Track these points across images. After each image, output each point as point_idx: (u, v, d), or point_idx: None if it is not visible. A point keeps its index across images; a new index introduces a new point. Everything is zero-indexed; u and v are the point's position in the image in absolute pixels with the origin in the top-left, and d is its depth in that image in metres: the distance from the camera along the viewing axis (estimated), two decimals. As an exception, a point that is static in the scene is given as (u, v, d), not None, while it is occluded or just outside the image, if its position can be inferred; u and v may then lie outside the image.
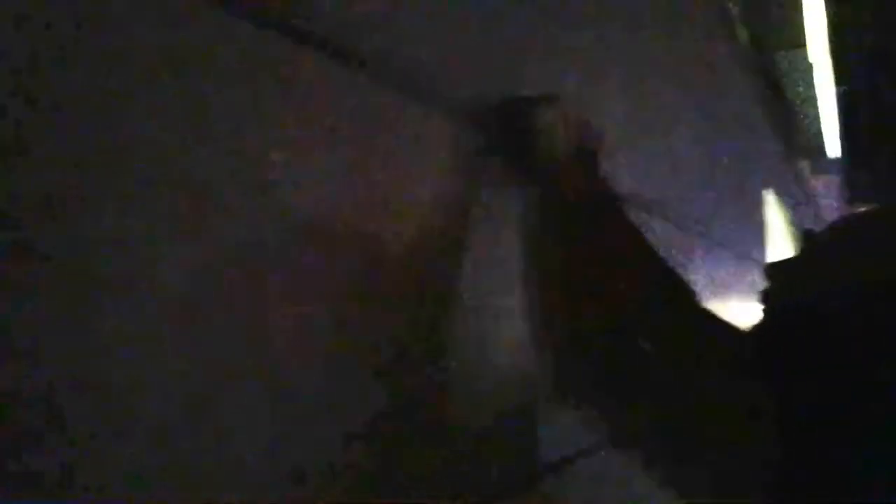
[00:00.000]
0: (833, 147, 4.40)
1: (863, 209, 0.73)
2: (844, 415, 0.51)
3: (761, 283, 0.71)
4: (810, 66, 3.43)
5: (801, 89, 3.54)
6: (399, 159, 0.75)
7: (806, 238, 0.70)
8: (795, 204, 4.26)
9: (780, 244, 3.80)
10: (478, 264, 0.91)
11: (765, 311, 0.67)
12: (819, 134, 4.24)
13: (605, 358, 0.68)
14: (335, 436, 0.60)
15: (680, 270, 2.14)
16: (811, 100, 3.71)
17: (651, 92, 2.10)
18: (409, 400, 0.73)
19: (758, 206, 3.60)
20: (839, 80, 3.89)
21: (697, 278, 2.33)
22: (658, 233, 2.01)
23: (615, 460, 0.81)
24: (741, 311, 3.03)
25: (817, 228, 0.75)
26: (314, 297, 0.58)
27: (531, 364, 0.93)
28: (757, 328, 0.66)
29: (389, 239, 0.72)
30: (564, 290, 0.77)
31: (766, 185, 3.80)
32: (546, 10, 1.25)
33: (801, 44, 3.24)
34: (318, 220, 0.58)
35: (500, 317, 0.94)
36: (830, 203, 5.60)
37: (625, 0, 1.95)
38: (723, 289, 2.62)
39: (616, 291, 0.74)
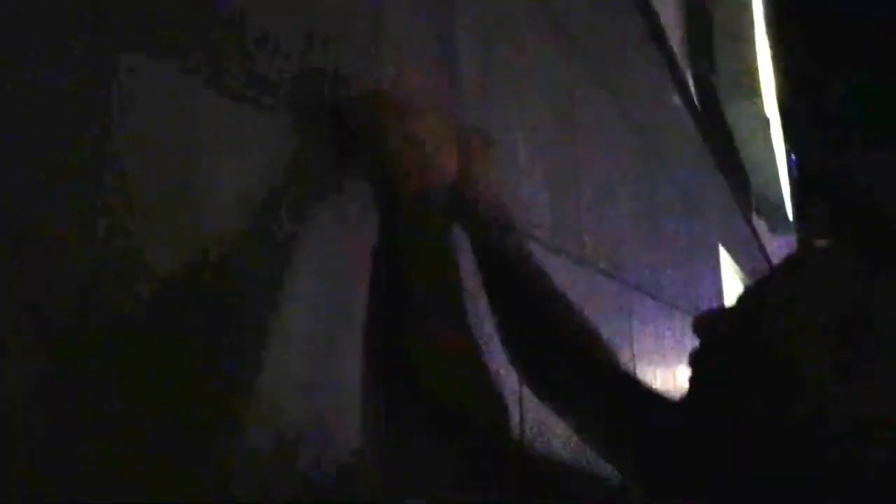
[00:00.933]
0: (790, 207, 4.25)
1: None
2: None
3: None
4: (766, 121, 3.27)
5: (753, 143, 3.37)
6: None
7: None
8: (753, 264, 4.07)
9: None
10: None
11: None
12: (777, 191, 4.08)
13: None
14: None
15: (620, 332, 1.91)
16: (767, 155, 3.55)
17: (592, 137, 1.90)
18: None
19: (712, 265, 3.40)
20: (789, 142, 3.75)
21: (643, 339, 2.10)
22: (597, 289, 1.78)
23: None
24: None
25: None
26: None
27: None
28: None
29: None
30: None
31: (722, 243, 3.62)
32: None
33: (753, 95, 3.08)
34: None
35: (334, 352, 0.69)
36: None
37: (580, 44, 1.76)
38: (670, 353, 2.39)
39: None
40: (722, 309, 0.69)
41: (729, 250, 3.58)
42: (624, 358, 1.97)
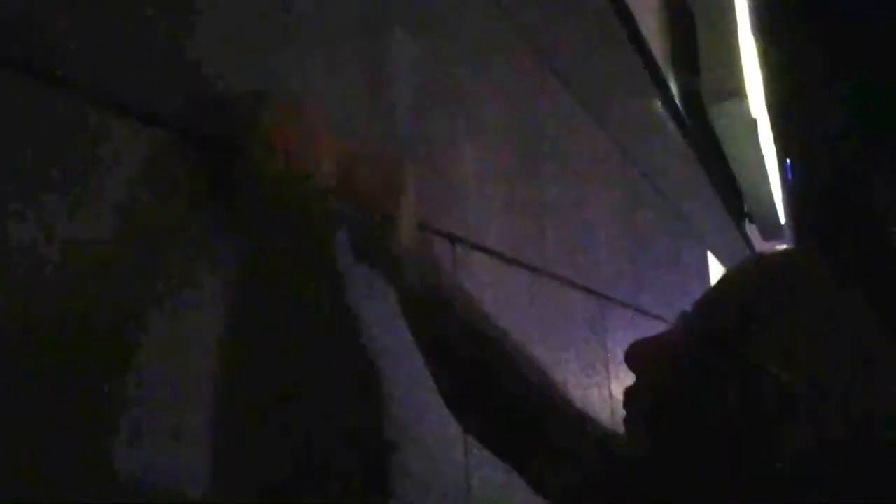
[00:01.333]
0: (782, 212, 4.16)
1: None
2: None
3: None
4: (752, 122, 3.19)
5: (742, 146, 3.29)
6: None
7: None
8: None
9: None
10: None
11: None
12: (768, 196, 3.99)
13: None
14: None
15: (592, 343, 1.83)
16: (755, 158, 3.46)
17: (561, 143, 1.82)
18: None
19: (700, 273, 3.31)
20: (780, 145, 3.66)
21: (619, 351, 2.02)
22: (565, 300, 1.70)
23: None
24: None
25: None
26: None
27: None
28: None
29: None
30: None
31: (711, 251, 3.53)
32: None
33: (739, 97, 3.00)
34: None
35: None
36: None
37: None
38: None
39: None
40: (662, 337, 0.61)
41: (720, 258, 3.49)
42: (598, 372, 1.89)
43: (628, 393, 0.64)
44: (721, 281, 0.63)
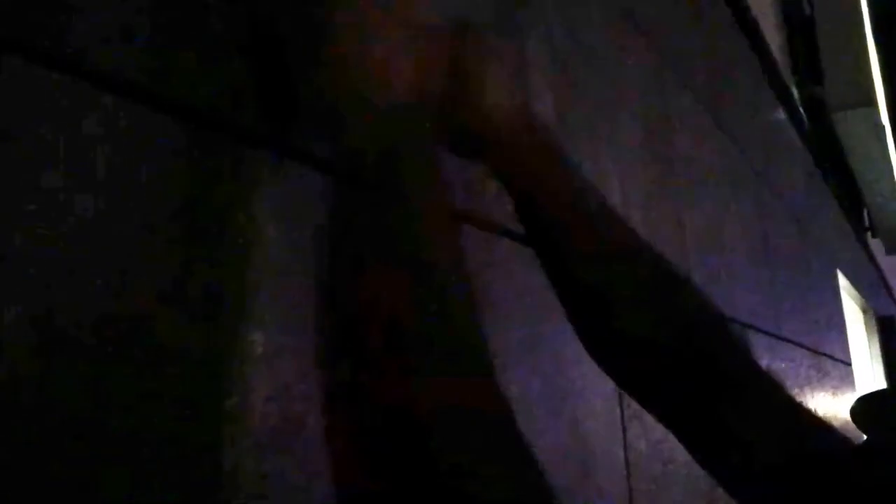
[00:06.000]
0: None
1: None
2: None
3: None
4: (880, 129, 2.99)
5: (868, 155, 3.08)
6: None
7: None
8: (871, 289, 3.73)
9: (855, 337, 3.27)
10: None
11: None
12: (894, 208, 3.74)
13: None
14: None
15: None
16: (882, 168, 3.25)
17: (693, 162, 1.71)
18: None
19: (825, 291, 3.12)
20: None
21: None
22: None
23: None
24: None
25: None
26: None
27: None
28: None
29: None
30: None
31: (834, 267, 3.32)
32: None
33: (866, 104, 2.82)
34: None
35: None
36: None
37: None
38: (789, 390, 2.14)
39: None
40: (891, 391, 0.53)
41: (846, 274, 3.29)
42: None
43: (858, 452, 0.53)
44: None
